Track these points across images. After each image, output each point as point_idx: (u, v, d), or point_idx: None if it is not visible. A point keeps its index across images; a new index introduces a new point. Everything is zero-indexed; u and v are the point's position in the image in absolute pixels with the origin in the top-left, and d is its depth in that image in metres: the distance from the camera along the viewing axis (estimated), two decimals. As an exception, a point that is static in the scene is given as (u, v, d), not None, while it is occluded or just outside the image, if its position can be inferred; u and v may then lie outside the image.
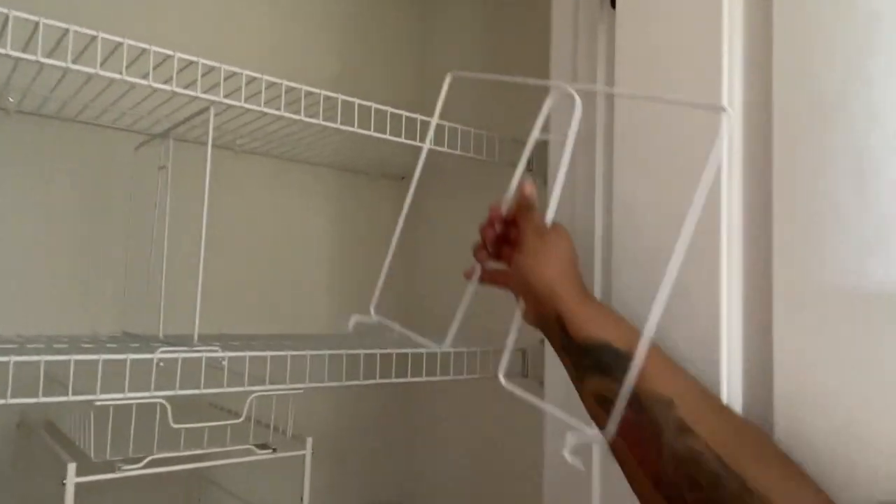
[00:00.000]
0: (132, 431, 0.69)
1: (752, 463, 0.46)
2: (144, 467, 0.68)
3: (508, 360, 0.61)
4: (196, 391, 0.70)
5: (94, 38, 0.67)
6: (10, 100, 0.92)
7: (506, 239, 0.67)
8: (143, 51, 0.70)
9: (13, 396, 0.61)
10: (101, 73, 0.68)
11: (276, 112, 0.78)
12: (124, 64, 0.68)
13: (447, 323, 0.68)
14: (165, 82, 0.71)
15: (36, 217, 0.95)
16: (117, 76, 0.69)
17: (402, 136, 0.89)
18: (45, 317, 0.95)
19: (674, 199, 0.63)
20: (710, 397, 0.53)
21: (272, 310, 1.16)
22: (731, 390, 0.56)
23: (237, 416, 0.80)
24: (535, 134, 0.66)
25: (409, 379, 0.85)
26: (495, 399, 1.05)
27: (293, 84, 0.79)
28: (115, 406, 0.67)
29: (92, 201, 1.00)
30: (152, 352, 0.68)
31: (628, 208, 0.69)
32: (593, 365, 0.55)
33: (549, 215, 0.63)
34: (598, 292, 0.72)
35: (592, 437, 0.49)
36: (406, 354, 0.86)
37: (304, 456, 0.79)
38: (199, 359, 0.70)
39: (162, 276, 0.78)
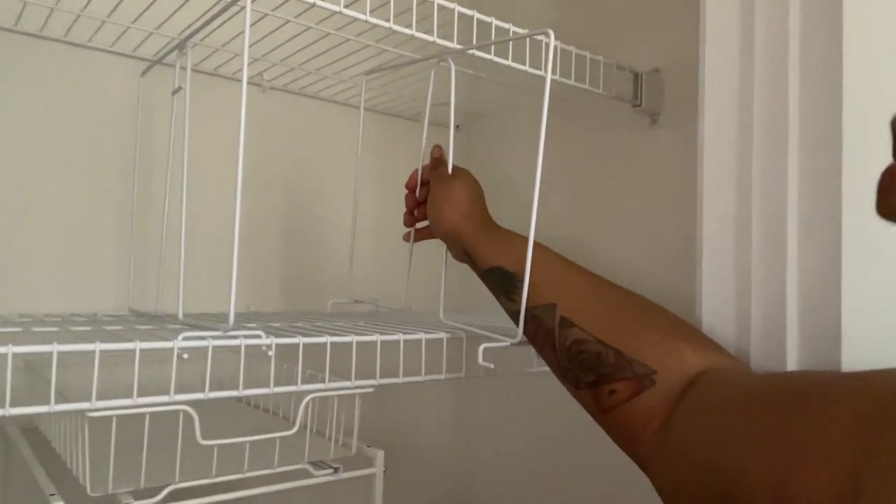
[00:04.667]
0: (144, 450, 0.48)
1: (628, 336, 0.51)
2: (163, 502, 0.48)
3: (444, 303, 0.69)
4: (233, 392, 0.50)
5: None
6: (-22, 10, 0.71)
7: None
8: None
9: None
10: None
11: (331, 6, 0.56)
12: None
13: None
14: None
15: (14, 164, 0.74)
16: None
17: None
18: (28, 290, 0.74)
19: None
20: (593, 289, 0.56)
21: (307, 280, 0.96)
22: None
23: (284, 419, 0.60)
24: (429, 101, 0.73)
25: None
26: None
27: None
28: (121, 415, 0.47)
29: (85, 145, 0.79)
30: (172, 337, 0.48)
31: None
32: (496, 288, 0.61)
33: (449, 163, 0.68)
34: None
35: (499, 345, 0.58)
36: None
37: (373, 475, 0.59)
38: (236, 348, 0.50)
39: (181, 233, 0.57)
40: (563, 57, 0.73)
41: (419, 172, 0.72)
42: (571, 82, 0.73)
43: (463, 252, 0.65)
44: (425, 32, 0.62)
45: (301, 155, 0.96)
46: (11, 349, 0.41)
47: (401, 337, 0.59)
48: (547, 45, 0.62)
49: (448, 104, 1.05)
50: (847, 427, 0.34)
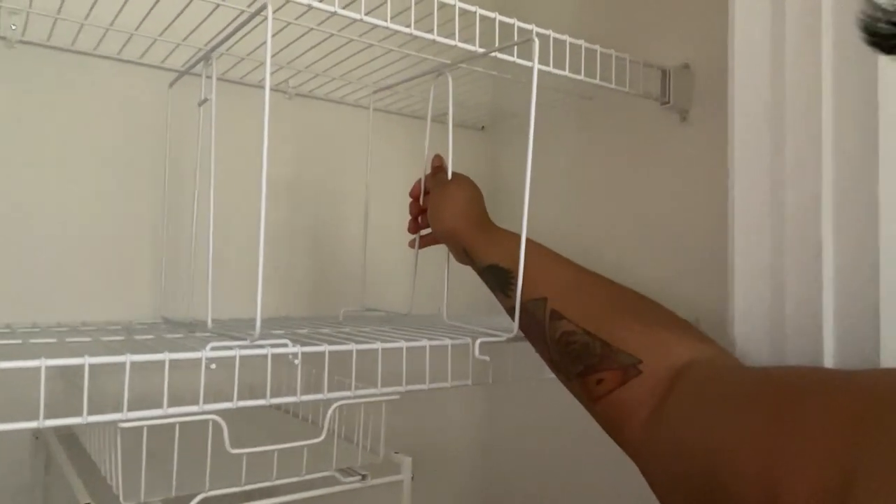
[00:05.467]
0: (175, 459, 0.49)
1: (614, 326, 0.52)
2: (194, 510, 0.48)
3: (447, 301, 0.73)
4: (261, 402, 0.50)
5: None
6: (13, 26, 0.73)
7: None
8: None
9: (5, 415, 0.42)
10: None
11: (352, 14, 0.56)
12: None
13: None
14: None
15: (47, 176, 0.76)
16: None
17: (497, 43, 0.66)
18: (65, 299, 0.76)
19: None
20: (581, 281, 0.58)
21: (338, 284, 0.96)
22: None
23: (313, 424, 0.60)
24: (430, 113, 0.77)
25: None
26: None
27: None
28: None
29: (116, 155, 0.81)
30: (200, 347, 0.48)
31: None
32: (493, 286, 0.63)
33: (448, 169, 0.71)
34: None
35: (495, 339, 0.61)
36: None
37: (401, 482, 0.59)
38: (263, 357, 0.50)
39: (209, 242, 0.58)
40: (587, 55, 0.72)
41: (422, 182, 0.75)
42: (597, 81, 0.72)
43: (463, 252, 0.67)
44: (447, 36, 0.62)
45: (328, 160, 0.97)
46: (45, 362, 0.42)
47: (427, 343, 0.59)
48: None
49: (476, 106, 1.05)
50: (838, 425, 0.34)
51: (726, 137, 0.59)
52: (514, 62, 0.66)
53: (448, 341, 0.60)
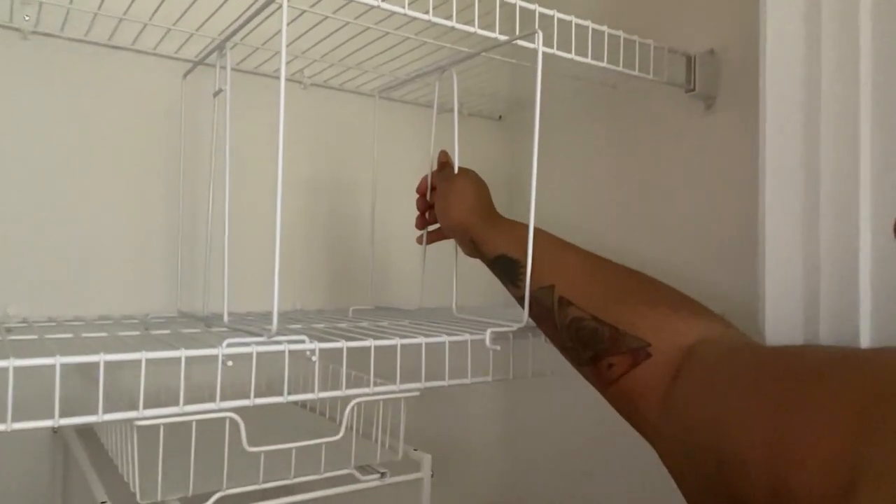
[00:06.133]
0: (192, 457, 0.48)
1: (622, 311, 0.52)
2: (212, 509, 0.48)
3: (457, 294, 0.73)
4: (279, 399, 0.49)
5: None
6: (26, 17, 0.72)
7: None
8: None
9: (22, 411, 0.41)
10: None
11: (369, 1, 0.55)
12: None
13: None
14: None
15: (63, 168, 0.76)
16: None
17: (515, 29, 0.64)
18: (83, 293, 0.76)
19: None
20: (588, 267, 0.58)
21: (353, 276, 0.95)
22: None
23: (331, 420, 0.59)
24: (434, 112, 0.77)
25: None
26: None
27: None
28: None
29: (132, 147, 0.80)
30: (216, 343, 0.47)
31: None
32: (503, 277, 0.63)
33: (455, 163, 0.71)
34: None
35: (507, 329, 0.61)
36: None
37: (420, 480, 0.58)
38: (281, 353, 0.49)
39: (225, 234, 0.57)
40: (610, 42, 0.69)
41: (429, 177, 0.75)
42: (620, 68, 0.70)
43: (471, 245, 0.67)
44: (466, 23, 0.60)
45: (343, 151, 0.95)
46: (59, 360, 0.41)
47: (446, 339, 0.58)
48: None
49: (493, 95, 1.03)
50: (848, 411, 0.33)
51: (753, 125, 0.57)
52: (532, 49, 0.64)
53: (468, 337, 0.59)
